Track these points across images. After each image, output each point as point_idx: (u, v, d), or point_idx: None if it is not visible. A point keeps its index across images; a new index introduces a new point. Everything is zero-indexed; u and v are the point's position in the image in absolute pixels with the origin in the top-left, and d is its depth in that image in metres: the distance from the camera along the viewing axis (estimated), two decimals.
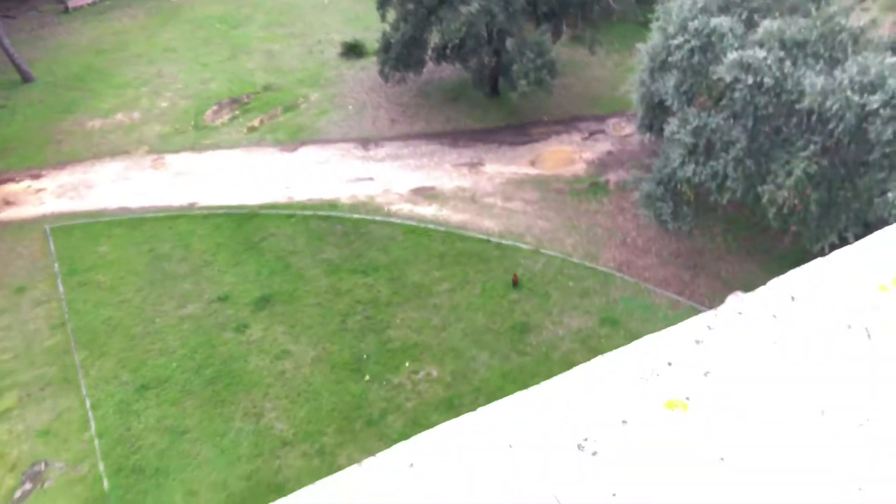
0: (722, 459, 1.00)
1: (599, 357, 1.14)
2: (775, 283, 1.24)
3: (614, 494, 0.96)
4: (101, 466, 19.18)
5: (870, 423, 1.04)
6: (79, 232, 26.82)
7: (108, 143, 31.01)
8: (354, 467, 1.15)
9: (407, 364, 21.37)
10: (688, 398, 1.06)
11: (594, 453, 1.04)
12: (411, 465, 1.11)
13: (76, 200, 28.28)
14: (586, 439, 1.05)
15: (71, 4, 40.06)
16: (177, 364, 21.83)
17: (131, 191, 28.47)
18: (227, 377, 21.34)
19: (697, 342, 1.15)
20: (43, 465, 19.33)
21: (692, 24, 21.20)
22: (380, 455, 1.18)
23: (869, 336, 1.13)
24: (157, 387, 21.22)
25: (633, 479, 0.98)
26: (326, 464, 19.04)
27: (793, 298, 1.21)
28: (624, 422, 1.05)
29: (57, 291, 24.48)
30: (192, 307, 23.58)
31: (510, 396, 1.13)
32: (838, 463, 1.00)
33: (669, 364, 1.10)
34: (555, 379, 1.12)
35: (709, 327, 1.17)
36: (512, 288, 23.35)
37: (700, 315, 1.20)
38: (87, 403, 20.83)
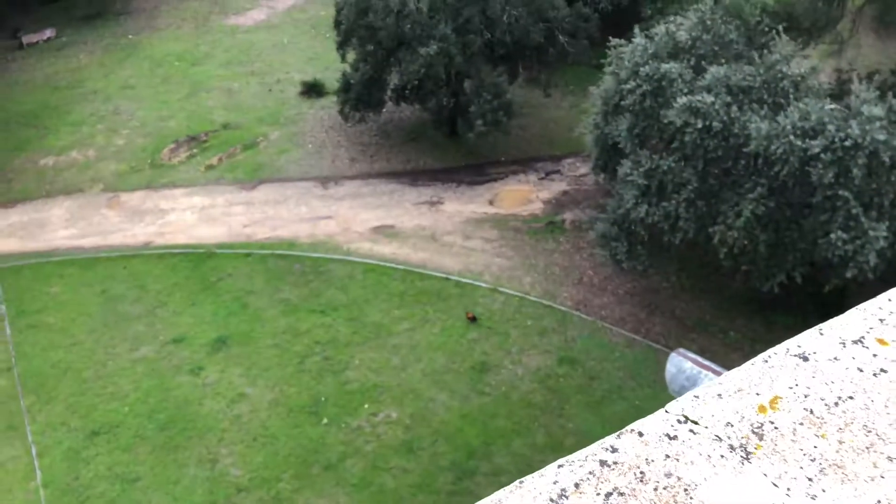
0: None
1: (517, 481, 1.25)
2: (672, 405, 1.36)
3: None
4: None
5: None
6: (28, 272, 26.16)
7: (62, 180, 30.47)
8: None
9: (366, 406, 21.18)
10: None
11: None
12: None
13: (26, 240, 27.63)
14: None
15: (26, 41, 39.56)
16: (129, 409, 21.28)
17: (85, 230, 27.95)
18: (182, 422, 20.85)
19: (602, 463, 1.26)
20: None
21: (643, 70, 21.89)
22: None
23: (747, 457, 1.26)
24: (108, 433, 20.63)
25: None
26: None
27: (686, 419, 1.33)
28: None
29: (3, 334, 23.75)
30: (145, 349, 23.09)
31: None
32: None
33: (576, 486, 1.21)
34: (482, 502, 1.22)
35: (612, 448, 1.29)
36: (469, 325, 23.40)
37: (606, 438, 1.31)
38: (33, 451, 20.12)
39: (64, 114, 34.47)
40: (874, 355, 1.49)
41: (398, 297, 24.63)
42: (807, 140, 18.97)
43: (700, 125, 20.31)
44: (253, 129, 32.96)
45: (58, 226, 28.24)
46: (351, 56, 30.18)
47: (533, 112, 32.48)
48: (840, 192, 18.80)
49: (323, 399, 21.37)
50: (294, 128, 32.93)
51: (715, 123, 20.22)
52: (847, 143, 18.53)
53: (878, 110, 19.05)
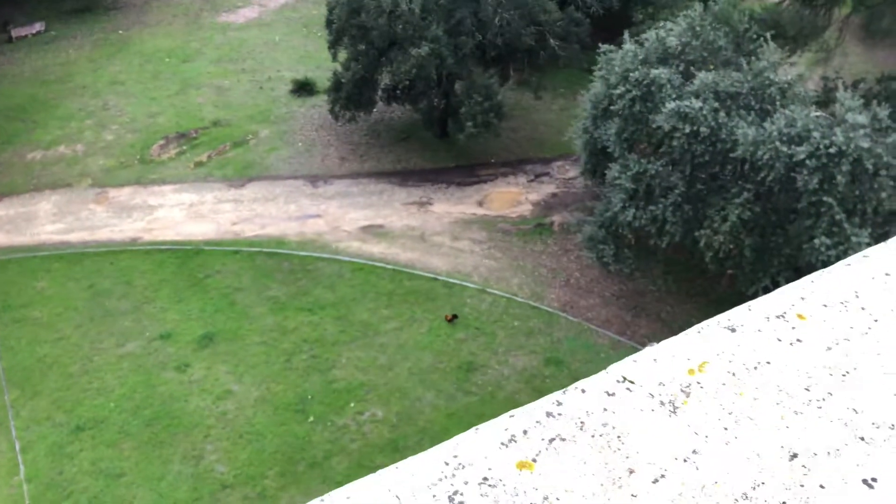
0: (558, 499, 1.29)
1: (473, 428, 1.41)
2: (613, 367, 1.54)
3: None
4: None
5: (664, 479, 1.35)
6: (15, 266, 26.09)
7: (50, 175, 30.39)
8: None
9: (352, 405, 21.27)
10: (534, 460, 1.36)
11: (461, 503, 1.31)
12: None
13: (13, 234, 27.55)
14: (457, 492, 1.33)
15: (15, 34, 39.42)
16: (114, 404, 21.28)
17: (72, 225, 27.89)
18: (167, 418, 20.87)
19: (548, 414, 1.43)
20: None
21: (633, 75, 22.12)
22: None
23: (674, 411, 1.43)
24: (93, 428, 20.61)
25: None
26: None
27: (624, 379, 1.50)
28: (485, 478, 1.34)
29: None
30: (132, 345, 23.08)
31: (398, 463, 1.37)
32: None
33: (525, 432, 1.38)
34: (441, 444, 1.39)
35: (558, 402, 1.46)
36: (456, 325, 23.53)
37: (553, 393, 1.48)
38: (17, 446, 20.08)
39: (52, 108, 34.37)
40: (793, 328, 1.69)
41: (386, 297, 24.75)
42: (792, 146, 19.25)
43: (688, 130, 20.56)
44: (243, 126, 32.99)
45: (45, 220, 28.17)
46: (342, 55, 30.27)
47: (523, 114, 32.69)
48: (824, 199, 19.08)
49: (309, 397, 21.45)
50: (284, 126, 32.99)
51: (703, 129, 20.47)
52: (832, 150, 18.82)
53: (863, 118, 19.35)
